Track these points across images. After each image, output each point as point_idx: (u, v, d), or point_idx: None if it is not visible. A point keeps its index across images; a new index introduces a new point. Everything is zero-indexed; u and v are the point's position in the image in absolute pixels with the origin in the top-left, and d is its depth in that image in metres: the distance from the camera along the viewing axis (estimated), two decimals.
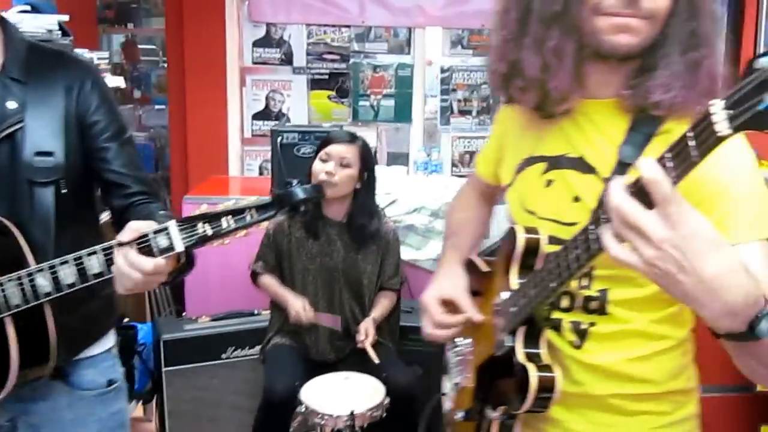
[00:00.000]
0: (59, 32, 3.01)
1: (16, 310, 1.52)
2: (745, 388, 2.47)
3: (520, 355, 1.31)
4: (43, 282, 1.50)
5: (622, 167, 1.23)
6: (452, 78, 4.63)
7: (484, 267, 1.56)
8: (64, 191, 1.62)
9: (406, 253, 3.46)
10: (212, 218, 1.40)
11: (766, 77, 0.77)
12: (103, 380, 1.78)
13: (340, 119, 4.62)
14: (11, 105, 1.59)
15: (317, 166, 2.90)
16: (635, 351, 1.34)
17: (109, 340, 1.84)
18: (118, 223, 1.69)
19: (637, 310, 1.32)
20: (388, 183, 3.71)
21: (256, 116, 4.66)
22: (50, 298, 1.51)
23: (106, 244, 1.47)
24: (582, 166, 1.31)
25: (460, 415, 1.52)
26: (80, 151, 1.66)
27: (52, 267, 1.49)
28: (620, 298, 1.31)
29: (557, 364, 1.32)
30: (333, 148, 2.89)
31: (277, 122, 4.59)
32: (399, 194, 3.72)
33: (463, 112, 4.67)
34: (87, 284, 1.49)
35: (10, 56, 1.63)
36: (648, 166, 0.86)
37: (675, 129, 1.20)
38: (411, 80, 4.62)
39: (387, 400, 2.64)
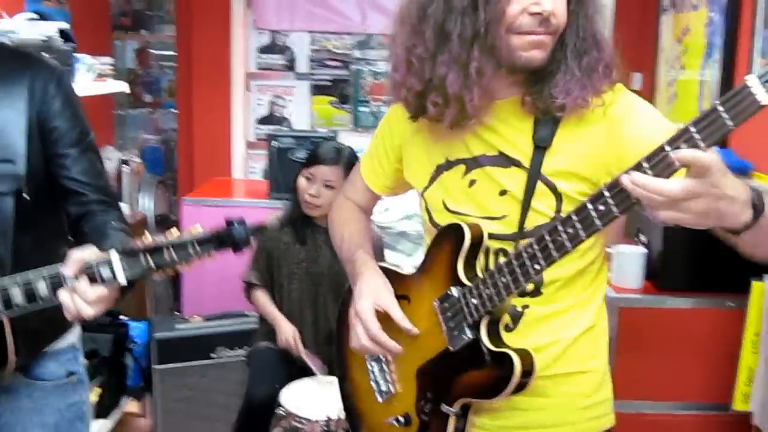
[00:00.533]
0: (60, 39, 3.07)
1: None
2: (722, 407, 2.45)
3: (490, 344, 1.34)
4: None
5: (540, 151, 1.35)
6: None
7: (402, 270, 1.57)
8: (26, 197, 1.58)
9: (398, 260, 3.49)
10: (154, 250, 1.37)
11: None
12: (62, 372, 1.77)
13: (341, 125, 4.66)
14: None
15: (302, 183, 2.91)
16: (563, 332, 1.43)
17: (72, 336, 1.82)
18: (74, 230, 1.71)
19: (567, 288, 1.42)
20: None
21: (261, 121, 4.71)
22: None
23: (51, 268, 1.42)
24: (503, 161, 1.39)
25: (399, 420, 1.51)
26: (42, 155, 1.62)
27: (2, 287, 1.44)
28: (553, 277, 1.39)
29: None
30: (318, 170, 2.87)
31: (279, 126, 4.65)
32: (392, 201, 3.74)
33: None
34: (36, 307, 1.45)
35: None
36: (687, 151, 1.00)
37: (578, 110, 1.33)
38: None
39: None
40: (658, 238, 2.50)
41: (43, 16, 3.25)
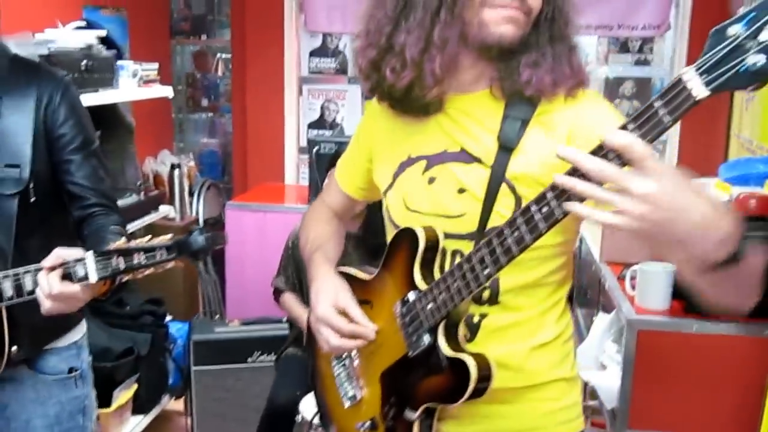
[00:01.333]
0: (102, 46, 3.13)
1: None
2: None
3: (447, 350, 1.29)
4: None
5: (505, 152, 1.28)
6: None
7: (363, 275, 1.51)
8: (33, 199, 1.68)
9: None
10: (126, 253, 1.46)
11: (739, 42, 0.88)
12: (64, 367, 1.87)
13: None
14: None
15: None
16: (523, 343, 1.36)
17: (77, 333, 1.93)
18: (78, 232, 1.80)
19: (526, 296, 1.34)
20: None
21: (312, 125, 4.69)
22: None
23: (35, 265, 1.52)
24: (464, 157, 1.33)
25: (366, 425, 1.47)
26: (48, 161, 1.72)
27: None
28: (511, 285, 1.32)
29: None
30: None
31: (331, 131, 4.62)
32: None
33: None
34: (22, 299, 1.55)
35: None
36: (618, 134, 0.93)
37: (550, 110, 1.28)
38: None
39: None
40: None
41: (90, 25, 3.30)
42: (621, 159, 0.95)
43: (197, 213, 4.36)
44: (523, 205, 1.19)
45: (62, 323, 1.88)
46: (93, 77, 2.96)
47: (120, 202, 3.26)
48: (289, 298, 3.00)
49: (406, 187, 1.41)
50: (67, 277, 1.47)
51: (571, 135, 1.26)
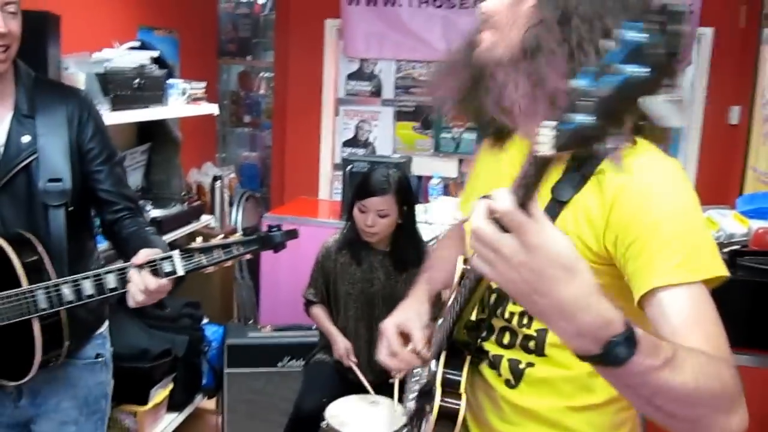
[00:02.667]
0: (154, 66, 3.24)
1: (43, 313, 1.73)
2: None
3: (438, 378, 1.33)
4: (67, 292, 1.70)
5: (556, 205, 1.17)
6: None
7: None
8: (70, 209, 1.83)
9: None
10: (206, 250, 1.64)
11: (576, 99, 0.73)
12: (92, 353, 2.01)
13: (423, 150, 4.67)
14: (25, 139, 1.80)
15: (357, 214, 2.90)
16: (570, 401, 1.28)
17: (103, 326, 2.07)
18: (108, 233, 1.96)
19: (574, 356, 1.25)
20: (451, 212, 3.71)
21: (346, 143, 4.79)
22: (72, 305, 1.72)
23: (120, 264, 1.69)
24: None
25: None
26: (80, 173, 1.86)
27: (75, 280, 1.70)
28: (557, 340, 1.18)
29: (489, 400, 1.33)
30: (369, 202, 2.84)
31: (364, 150, 4.70)
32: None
33: None
34: (103, 296, 1.70)
35: (20, 94, 1.82)
36: (499, 198, 0.85)
37: (609, 169, 1.15)
38: None
39: (405, 430, 2.61)
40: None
41: (144, 44, 3.42)
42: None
43: (236, 222, 4.46)
44: None
45: (100, 316, 2.04)
46: (144, 95, 3.08)
47: (164, 212, 3.40)
48: (318, 311, 3.05)
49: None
50: (155, 273, 1.63)
51: (613, 207, 1.12)
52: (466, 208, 1.61)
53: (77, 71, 2.77)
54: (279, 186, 4.94)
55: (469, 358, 1.35)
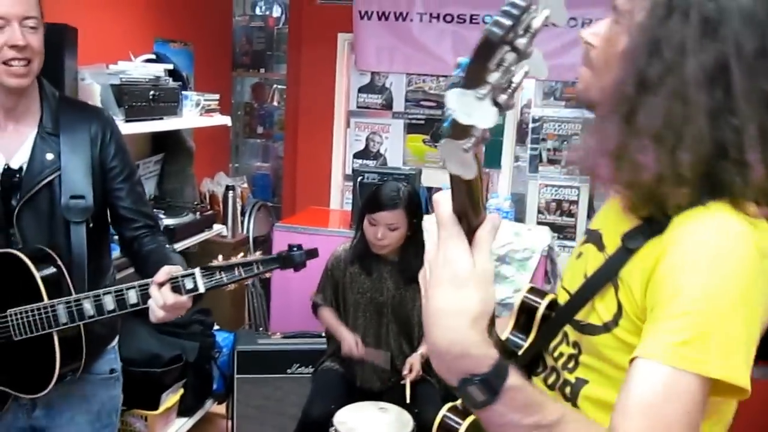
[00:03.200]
0: (169, 78, 3.28)
1: (63, 327, 1.74)
2: None
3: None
4: (88, 306, 1.73)
5: (626, 252, 1.04)
6: (543, 128, 4.57)
7: None
8: (91, 225, 1.85)
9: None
10: (227, 268, 1.68)
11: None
12: (106, 368, 2.02)
13: (432, 162, 4.69)
14: (49, 156, 1.83)
15: (367, 227, 2.92)
16: None
17: (115, 341, 2.08)
18: (127, 250, 1.97)
19: (605, 413, 0.99)
20: None
21: (357, 155, 4.82)
22: (93, 320, 1.74)
23: (142, 281, 1.71)
24: (599, 242, 1.15)
25: None
26: (101, 190, 1.89)
27: (96, 295, 1.72)
28: (592, 395, 1.10)
29: None
30: (380, 216, 2.87)
31: (375, 161, 4.72)
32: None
33: (552, 161, 4.59)
34: (125, 311, 1.73)
35: (45, 113, 1.85)
36: (441, 201, 0.81)
37: (671, 228, 1.00)
38: (503, 128, 4.61)
39: None
40: None
41: (159, 57, 3.46)
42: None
43: (247, 231, 4.49)
44: (624, 311, 1.03)
45: (113, 331, 2.05)
46: (159, 106, 3.11)
47: (177, 220, 3.43)
48: (326, 312, 3.06)
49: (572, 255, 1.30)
50: (175, 290, 1.65)
51: (654, 270, 0.98)
52: None
53: (93, 82, 2.81)
54: (290, 196, 4.97)
55: None
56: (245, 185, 4.67)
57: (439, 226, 0.80)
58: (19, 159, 1.82)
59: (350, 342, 2.94)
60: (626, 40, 1.03)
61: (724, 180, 0.96)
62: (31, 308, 1.73)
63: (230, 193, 4.28)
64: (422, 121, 4.73)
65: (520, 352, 1.25)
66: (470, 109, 0.67)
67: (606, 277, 1.06)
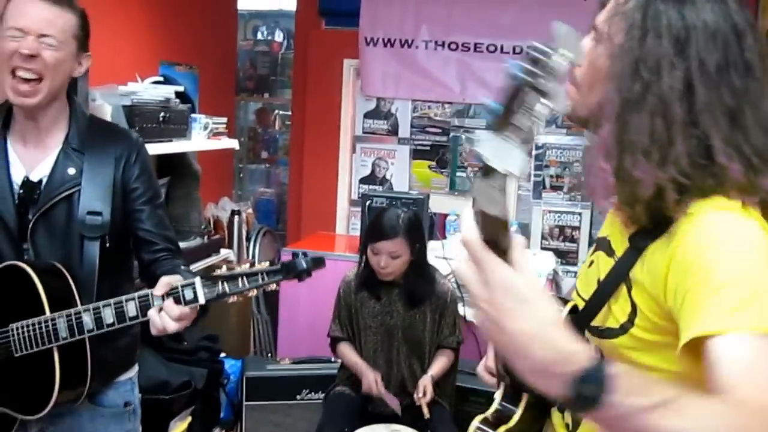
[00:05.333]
0: (177, 100, 3.19)
1: (63, 342, 1.64)
2: None
3: (491, 409, 1.30)
4: (88, 320, 1.62)
5: (635, 252, 1.07)
6: (546, 155, 4.50)
7: None
8: (107, 245, 1.76)
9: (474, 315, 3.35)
10: (230, 278, 1.57)
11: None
12: (120, 402, 1.89)
13: (438, 188, 4.61)
14: (71, 171, 1.76)
15: (370, 256, 2.87)
16: None
17: (132, 371, 1.95)
18: (145, 274, 1.86)
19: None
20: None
21: (363, 180, 4.72)
22: (92, 334, 1.63)
23: (141, 292, 1.60)
24: (608, 248, 1.17)
25: None
26: (122, 211, 1.80)
27: (96, 308, 1.62)
28: (590, 425, 1.06)
29: None
30: (381, 245, 2.82)
31: (381, 186, 4.63)
32: None
33: (555, 188, 4.52)
34: (124, 324, 1.62)
35: (73, 130, 1.79)
36: (466, 226, 0.82)
37: (683, 223, 1.02)
38: None
39: None
40: None
41: (167, 80, 3.37)
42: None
43: (253, 257, 4.38)
44: (639, 315, 1.05)
45: (127, 359, 1.94)
46: (169, 128, 3.03)
47: (184, 244, 3.31)
48: (345, 349, 2.98)
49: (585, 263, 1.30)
50: (176, 301, 1.55)
51: (673, 258, 1.00)
52: None
53: (104, 103, 2.73)
54: (296, 222, 4.86)
55: (526, 396, 1.26)
56: (250, 210, 4.56)
57: (479, 262, 0.81)
58: (40, 172, 1.76)
59: (371, 380, 2.85)
60: (608, 62, 1.07)
61: (709, 183, 1.00)
62: (32, 322, 1.65)
63: (236, 218, 4.17)
64: (428, 147, 4.64)
65: None
66: (502, 153, 0.73)
67: (618, 277, 1.09)
